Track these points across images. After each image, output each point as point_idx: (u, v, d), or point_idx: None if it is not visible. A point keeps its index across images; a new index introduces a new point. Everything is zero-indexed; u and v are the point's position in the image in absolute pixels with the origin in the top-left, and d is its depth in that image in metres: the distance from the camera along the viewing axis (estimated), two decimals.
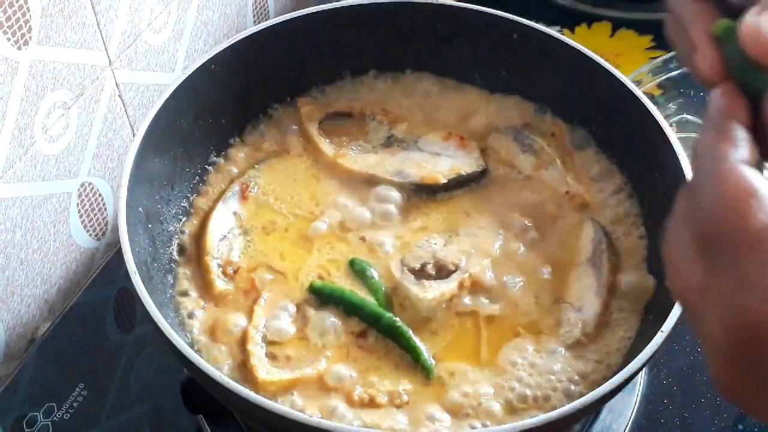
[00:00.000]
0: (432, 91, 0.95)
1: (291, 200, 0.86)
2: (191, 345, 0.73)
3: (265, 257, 0.81)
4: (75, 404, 0.83)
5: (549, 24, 0.98)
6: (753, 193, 0.40)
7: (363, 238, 0.82)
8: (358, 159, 0.89)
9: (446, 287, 0.77)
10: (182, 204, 0.85)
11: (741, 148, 0.42)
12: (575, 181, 0.86)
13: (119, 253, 0.71)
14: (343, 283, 0.79)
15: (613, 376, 0.64)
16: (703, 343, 0.43)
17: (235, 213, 0.84)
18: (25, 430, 0.81)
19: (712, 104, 0.45)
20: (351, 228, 0.83)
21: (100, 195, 0.97)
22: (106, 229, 1.00)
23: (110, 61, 0.91)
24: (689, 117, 1.08)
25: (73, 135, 0.89)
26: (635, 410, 0.83)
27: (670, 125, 0.91)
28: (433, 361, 0.73)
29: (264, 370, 0.72)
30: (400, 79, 0.95)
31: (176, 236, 0.83)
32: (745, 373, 0.41)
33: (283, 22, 0.89)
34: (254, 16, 1.17)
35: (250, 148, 0.90)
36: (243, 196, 0.85)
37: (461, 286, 0.78)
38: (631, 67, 1.11)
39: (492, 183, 0.88)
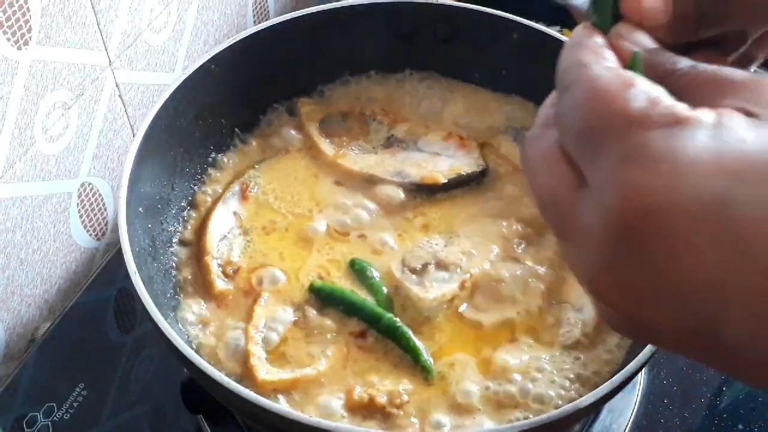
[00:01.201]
0: (432, 91, 0.95)
1: (291, 199, 0.86)
2: (191, 345, 0.73)
3: (265, 257, 0.81)
4: (75, 404, 0.83)
5: (549, 24, 0.98)
6: (630, 82, 0.37)
7: (363, 238, 0.83)
8: (358, 159, 0.89)
9: (447, 287, 0.77)
10: (182, 204, 0.85)
11: (610, 56, 0.40)
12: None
13: (119, 253, 0.71)
14: (343, 283, 0.79)
15: (613, 376, 0.64)
16: (577, 250, 0.38)
17: (235, 213, 0.84)
18: (25, 430, 0.81)
19: (573, 36, 0.43)
20: (351, 228, 0.83)
21: (100, 195, 0.97)
22: (106, 229, 1.00)
23: (110, 61, 0.91)
24: None
25: (73, 135, 0.89)
26: (635, 410, 0.83)
27: None
28: (433, 362, 0.73)
29: (264, 370, 0.72)
30: (400, 79, 0.95)
31: (176, 236, 0.83)
32: (629, 263, 0.36)
33: (283, 22, 0.89)
34: (254, 16, 1.17)
35: (250, 148, 0.90)
36: (243, 196, 0.86)
37: (462, 286, 0.78)
38: None
39: (492, 183, 0.88)
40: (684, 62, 0.40)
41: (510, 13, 0.89)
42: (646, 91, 0.37)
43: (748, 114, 0.36)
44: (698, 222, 0.34)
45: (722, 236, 0.34)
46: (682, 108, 0.36)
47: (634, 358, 0.64)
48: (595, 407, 0.68)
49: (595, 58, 0.40)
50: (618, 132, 0.36)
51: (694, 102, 0.37)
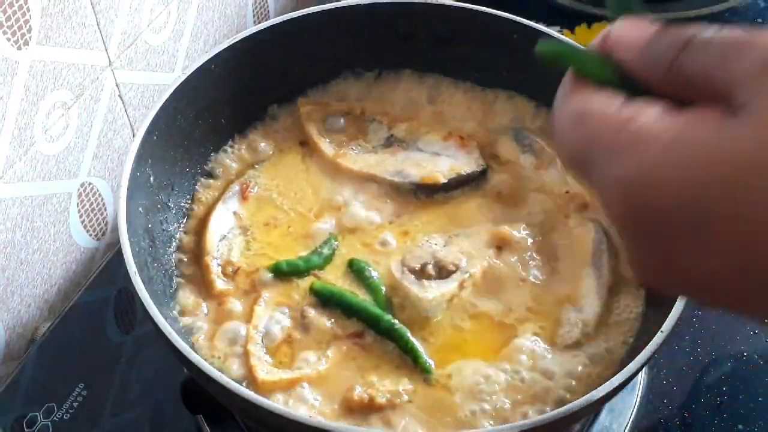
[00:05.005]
0: (432, 91, 0.95)
1: (293, 197, 0.86)
2: (191, 345, 0.73)
3: (265, 255, 0.81)
4: (75, 404, 0.83)
5: (549, 24, 0.98)
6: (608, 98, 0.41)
7: (363, 238, 0.83)
8: (358, 159, 0.89)
9: (446, 287, 0.77)
10: (182, 204, 0.85)
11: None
12: (575, 181, 0.86)
13: (119, 253, 0.71)
14: (342, 283, 0.79)
15: (613, 376, 0.64)
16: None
17: (235, 213, 0.84)
18: (25, 430, 0.81)
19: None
20: (351, 228, 0.83)
21: (100, 195, 0.97)
22: (106, 229, 1.00)
23: (110, 61, 0.91)
24: None
25: (73, 135, 0.89)
26: (635, 410, 0.83)
27: None
28: (432, 362, 0.73)
29: (264, 370, 0.72)
30: (401, 79, 0.95)
31: (176, 236, 0.83)
32: (651, 249, 0.40)
33: (283, 22, 0.89)
34: (254, 16, 1.17)
35: (250, 148, 0.90)
36: (243, 196, 0.86)
37: (461, 286, 0.78)
38: None
39: (492, 183, 0.88)
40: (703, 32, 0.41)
41: (510, 13, 0.89)
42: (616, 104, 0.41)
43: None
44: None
45: None
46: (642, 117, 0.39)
47: (634, 358, 0.64)
48: (595, 407, 0.69)
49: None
50: (606, 140, 0.40)
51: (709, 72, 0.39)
